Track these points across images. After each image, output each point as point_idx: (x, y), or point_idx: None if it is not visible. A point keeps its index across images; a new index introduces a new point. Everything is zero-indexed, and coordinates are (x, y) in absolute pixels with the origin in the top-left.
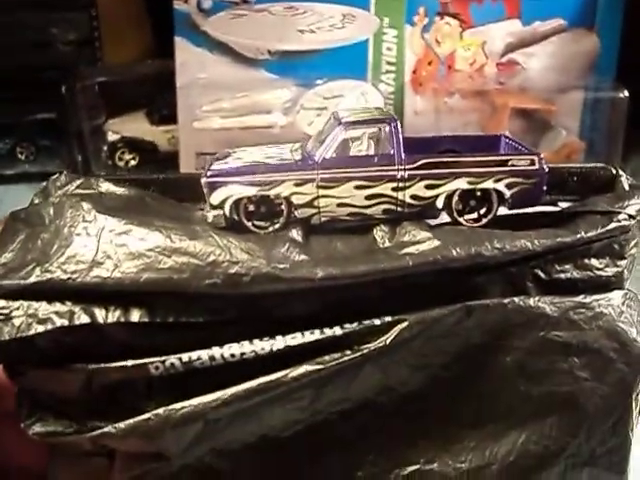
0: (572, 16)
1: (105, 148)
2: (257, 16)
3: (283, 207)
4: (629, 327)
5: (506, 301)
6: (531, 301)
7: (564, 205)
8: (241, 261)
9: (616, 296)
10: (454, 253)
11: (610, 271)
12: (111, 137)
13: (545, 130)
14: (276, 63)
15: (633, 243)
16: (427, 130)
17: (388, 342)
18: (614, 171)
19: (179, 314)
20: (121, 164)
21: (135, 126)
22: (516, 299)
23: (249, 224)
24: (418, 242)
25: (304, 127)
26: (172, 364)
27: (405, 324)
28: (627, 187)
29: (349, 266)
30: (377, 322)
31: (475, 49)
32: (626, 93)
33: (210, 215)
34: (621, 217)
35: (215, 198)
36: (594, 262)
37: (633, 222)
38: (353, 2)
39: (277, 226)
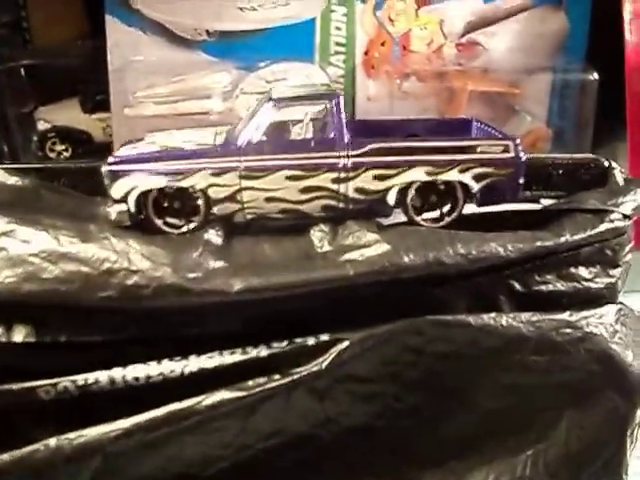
0: None
1: (35, 138)
2: None
3: (200, 202)
4: (623, 350)
5: (471, 318)
6: (503, 319)
7: (547, 202)
8: (141, 270)
9: (608, 312)
10: (406, 260)
11: (601, 282)
12: (41, 126)
13: (508, 116)
14: (215, 44)
15: (628, 248)
16: (380, 116)
17: (325, 365)
18: (606, 163)
19: (70, 332)
20: (52, 155)
21: (67, 114)
22: (485, 316)
23: (159, 222)
24: (363, 246)
25: (243, 113)
26: (65, 388)
27: (345, 344)
28: (621, 181)
29: (275, 275)
30: (311, 342)
31: (432, 28)
32: (596, 76)
33: (112, 211)
34: (614, 217)
35: (117, 190)
36: (582, 271)
37: (628, 223)
38: None
39: (193, 225)
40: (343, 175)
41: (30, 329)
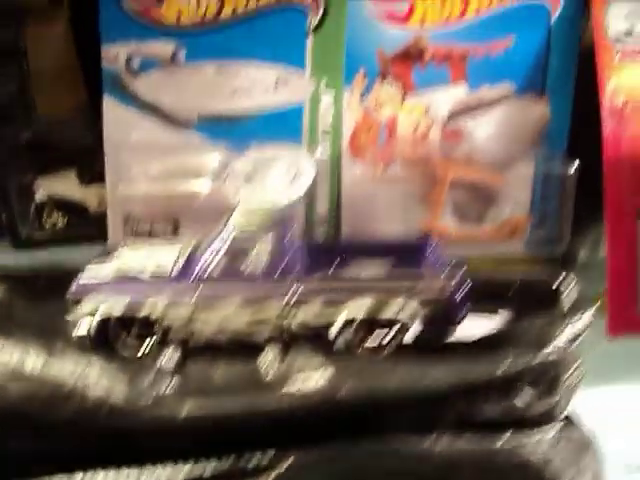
0: (521, 83)
1: (33, 207)
2: (187, 77)
3: (155, 328)
4: (560, 473)
5: (408, 444)
6: (439, 445)
7: (497, 320)
8: (97, 393)
9: (546, 437)
10: (344, 391)
11: (539, 408)
12: (39, 196)
13: (490, 203)
14: (207, 126)
15: (570, 371)
16: (366, 199)
17: None
18: (556, 284)
19: (32, 445)
20: (49, 224)
21: (65, 185)
22: (421, 441)
23: (118, 346)
24: (303, 377)
25: (230, 196)
26: None
27: (289, 461)
28: (569, 304)
29: (223, 402)
30: (254, 461)
31: (418, 115)
32: (574, 166)
33: (77, 333)
34: (551, 347)
35: (80, 315)
36: (520, 399)
37: (568, 352)
38: (288, 64)
39: (148, 349)
40: (287, 309)
41: None
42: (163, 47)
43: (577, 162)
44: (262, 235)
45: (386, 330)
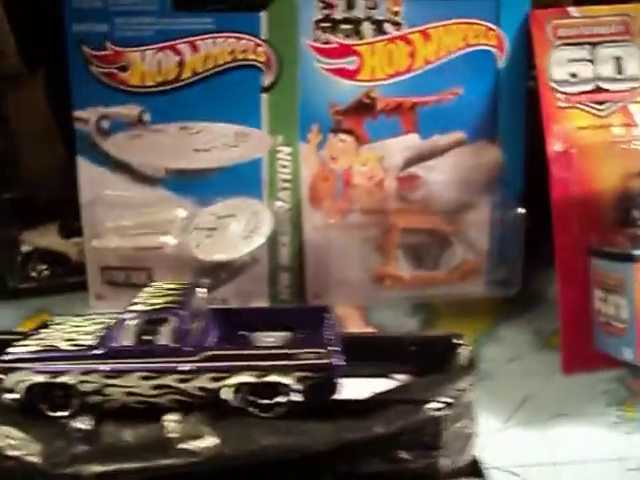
0: (472, 129)
1: (19, 259)
2: (153, 136)
3: (73, 393)
4: None
5: None
6: None
7: (399, 378)
8: (15, 456)
9: None
10: (228, 453)
11: (421, 462)
12: (25, 248)
13: (445, 247)
14: (174, 181)
15: (458, 425)
16: (326, 246)
17: None
18: (455, 341)
19: None
20: (34, 274)
21: (48, 238)
22: None
23: (42, 408)
24: (197, 437)
25: (192, 249)
26: None
27: None
28: (465, 361)
29: (124, 462)
30: None
31: (373, 164)
32: (521, 210)
33: (5, 398)
34: (431, 407)
35: (8, 382)
36: (401, 454)
37: (447, 410)
38: (245, 121)
39: (68, 412)
40: (185, 377)
41: None
42: (129, 110)
43: (523, 206)
44: (156, 315)
45: (272, 394)
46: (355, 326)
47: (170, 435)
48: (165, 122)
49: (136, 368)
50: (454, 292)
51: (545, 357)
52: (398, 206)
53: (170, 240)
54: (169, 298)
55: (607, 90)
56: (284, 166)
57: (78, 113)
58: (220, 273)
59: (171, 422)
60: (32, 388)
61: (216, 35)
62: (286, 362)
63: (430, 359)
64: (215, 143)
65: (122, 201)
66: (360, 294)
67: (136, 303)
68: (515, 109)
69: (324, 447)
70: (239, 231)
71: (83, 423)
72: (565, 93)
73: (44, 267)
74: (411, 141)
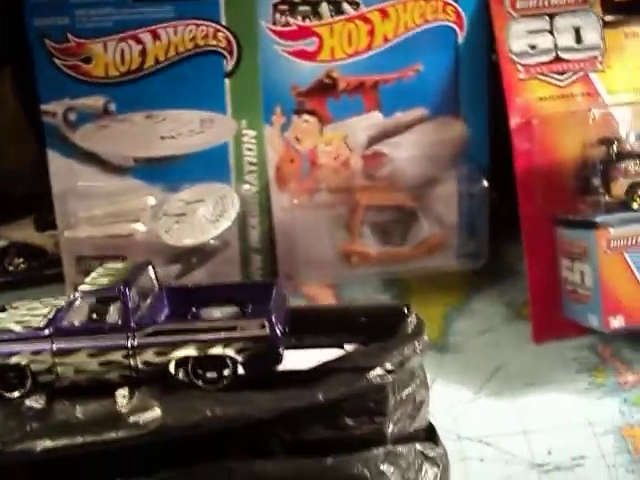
0: (434, 105)
1: None
2: (120, 126)
3: (26, 373)
4: None
5: (241, 465)
6: (269, 466)
7: (349, 348)
8: None
9: (374, 455)
10: (172, 423)
11: (366, 428)
12: (0, 243)
13: (411, 223)
14: (142, 170)
15: (405, 392)
16: (295, 226)
17: None
18: (404, 311)
19: None
20: (12, 268)
21: (23, 232)
22: (253, 463)
23: None
24: (143, 409)
25: (162, 235)
26: None
27: None
28: (411, 329)
29: (75, 436)
30: None
31: (337, 143)
32: (485, 183)
33: None
34: (373, 374)
35: None
36: (347, 420)
37: (390, 378)
38: (210, 107)
39: (20, 392)
40: (131, 352)
41: None
42: (95, 101)
43: (490, 179)
44: (100, 294)
45: (216, 367)
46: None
47: (121, 409)
48: (130, 112)
49: (83, 346)
50: (424, 266)
51: (516, 328)
52: (364, 184)
53: (140, 227)
54: (115, 278)
55: (567, 60)
56: (250, 149)
57: (45, 106)
58: (191, 258)
59: (120, 397)
60: None
61: (176, 23)
62: (227, 334)
63: (380, 329)
64: (181, 130)
65: (93, 191)
66: (330, 272)
67: (85, 284)
68: (477, 83)
69: (266, 415)
70: (207, 215)
71: (36, 402)
72: (525, 65)
73: (21, 261)
74: (374, 119)
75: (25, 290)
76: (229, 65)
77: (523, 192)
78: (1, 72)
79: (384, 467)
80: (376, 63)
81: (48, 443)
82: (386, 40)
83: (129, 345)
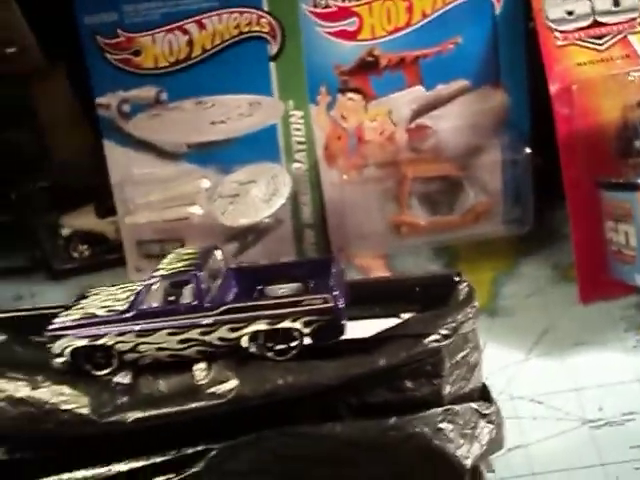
0: (475, 76)
1: (61, 242)
2: (172, 114)
3: (112, 353)
4: (447, 443)
5: (312, 428)
6: (338, 428)
7: (406, 317)
8: (69, 409)
9: (433, 414)
10: (249, 392)
11: (425, 390)
12: (65, 231)
13: (457, 192)
14: (195, 155)
15: (460, 356)
16: (345, 201)
17: (202, 467)
18: (456, 279)
19: (23, 451)
20: (76, 255)
21: (85, 220)
22: (323, 426)
23: (87, 368)
24: (221, 381)
25: (218, 216)
26: None
27: (214, 452)
28: (464, 296)
29: (159, 408)
30: (190, 451)
31: (382, 119)
32: (528, 150)
33: (55, 362)
34: (430, 339)
35: (56, 348)
36: (407, 383)
37: (445, 342)
38: (257, 90)
39: (109, 370)
40: (207, 329)
41: None
42: (147, 91)
43: (532, 146)
44: (175, 278)
45: (286, 339)
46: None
47: (199, 382)
48: (181, 99)
49: (163, 326)
50: (472, 234)
51: (563, 290)
52: (410, 157)
53: (197, 210)
54: (187, 262)
55: (605, 24)
56: (298, 129)
57: (100, 100)
58: (247, 236)
59: (199, 371)
60: (76, 351)
61: (220, 12)
62: (294, 309)
63: (433, 297)
64: (230, 114)
65: (149, 178)
66: (381, 244)
67: (159, 269)
68: (516, 52)
69: (333, 382)
70: (260, 195)
71: (123, 378)
72: (563, 31)
73: (84, 247)
74: (417, 93)
75: (89, 275)
76: (273, 49)
77: (566, 157)
78: (56, 69)
79: (443, 425)
80: (416, 38)
81: (138, 414)
82: (424, 15)
83: (204, 323)
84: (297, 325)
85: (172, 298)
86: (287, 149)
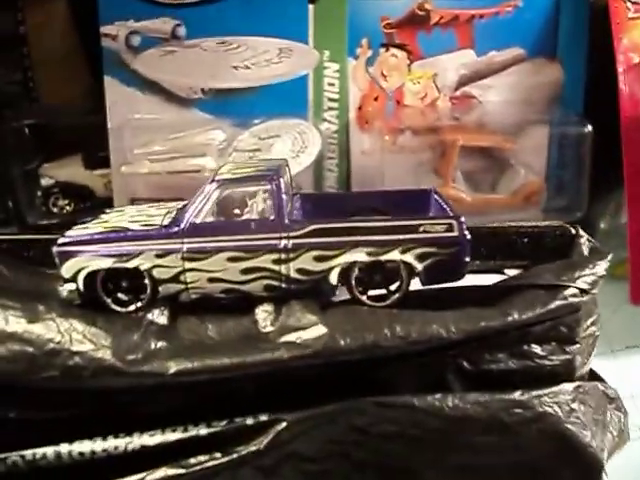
0: (531, 45)
1: (39, 194)
2: (188, 52)
3: (145, 281)
4: (581, 429)
5: (415, 399)
6: (449, 400)
7: (510, 273)
8: (82, 351)
9: (564, 391)
10: (342, 344)
11: (556, 360)
12: (45, 182)
13: (504, 169)
14: (210, 102)
15: (590, 321)
16: (375, 171)
17: (264, 445)
18: (573, 231)
19: (18, 409)
20: (55, 210)
21: (70, 170)
22: (429, 397)
23: (108, 300)
24: (301, 328)
25: None
26: (14, 462)
27: (284, 424)
28: (586, 252)
29: (211, 358)
30: (250, 421)
31: (425, 82)
32: (590, 128)
33: (64, 290)
34: (569, 292)
35: (67, 270)
36: (535, 349)
37: (585, 298)
38: (290, 35)
39: (140, 304)
40: (284, 256)
41: None
42: (163, 23)
43: (593, 125)
44: (254, 185)
45: (387, 276)
46: None
47: (266, 329)
48: (202, 37)
49: (222, 247)
50: (514, 217)
51: (611, 288)
52: (454, 125)
53: (209, 163)
54: (257, 168)
55: None
56: (331, 84)
57: (105, 28)
58: None
59: (264, 313)
60: (94, 275)
61: None
62: (406, 235)
63: (544, 251)
64: (256, 59)
65: (153, 124)
66: None
67: (220, 173)
68: (577, 24)
69: (456, 336)
70: (285, 151)
71: (157, 317)
72: (636, 3)
73: (66, 202)
74: (467, 57)
75: None
76: None
77: (629, 138)
78: None
79: (575, 405)
80: None
81: (183, 365)
82: None
83: (282, 246)
84: (408, 258)
85: (236, 211)
86: (316, 105)
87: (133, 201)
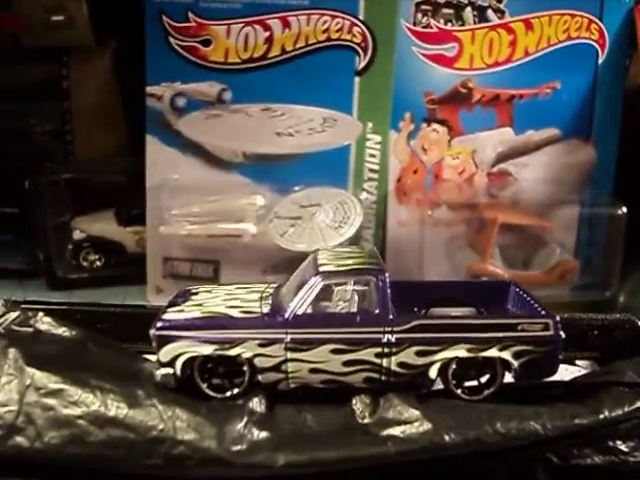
0: (567, 126)
1: (70, 247)
2: (233, 117)
3: (245, 369)
4: None
5: None
6: None
7: (582, 364)
8: (187, 440)
9: None
10: (447, 439)
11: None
12: (77, 235)
13: (538, 247)
14: (251, 167)
15: None
16: (411, 242)
17: None
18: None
19: None
20: (85, 264)
21: (102, 225)
22: None
23: (204, 386)
24: (404, 422)
25: (276, 238)
26: None
27: None
28: None
29: (318, 450)
30: None
31: (464, 158)
32: (624, 209)
33: (159, 373)
34: None
35: (165, 355)
36: (620, 445)
37: None
38: (335, 105)
39: (237, 391)
40: (387, 350)
41: None
42: (209, 87)
43: (625, 205)
44: (352, 277)
45: (482, 371)
46: None
47: (364, 420)
48: (247, 102)
49: (328, 339)
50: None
51: None
52: (490, 202)
53: (251, 228)
54: (359, 260)
55: None
56: (372, 155)
57: (151, 89)
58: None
59: (361, 404)
60: (194, 362)
61: (310, 12)
62: (506, 334)
63: (612, 344)
64: (300, 127)
65: (192, 186)
66: None
67: (322, 264)
68: (612, 107)
69: (553, 433)
70: (327, 221)
71: (257, 405)
72: None
73: (97, 257)
74: (505, 135)
75: (97, 290)
76: (361, 62)
77: None
78: (103, 48)
79: None
80: (514, 76)
81: (290, 457)
82: (527, 53)
83: (386, 340)
84: (505, 355)
85: (325, 304)
86: (357, 176)
87: (166, 260)
